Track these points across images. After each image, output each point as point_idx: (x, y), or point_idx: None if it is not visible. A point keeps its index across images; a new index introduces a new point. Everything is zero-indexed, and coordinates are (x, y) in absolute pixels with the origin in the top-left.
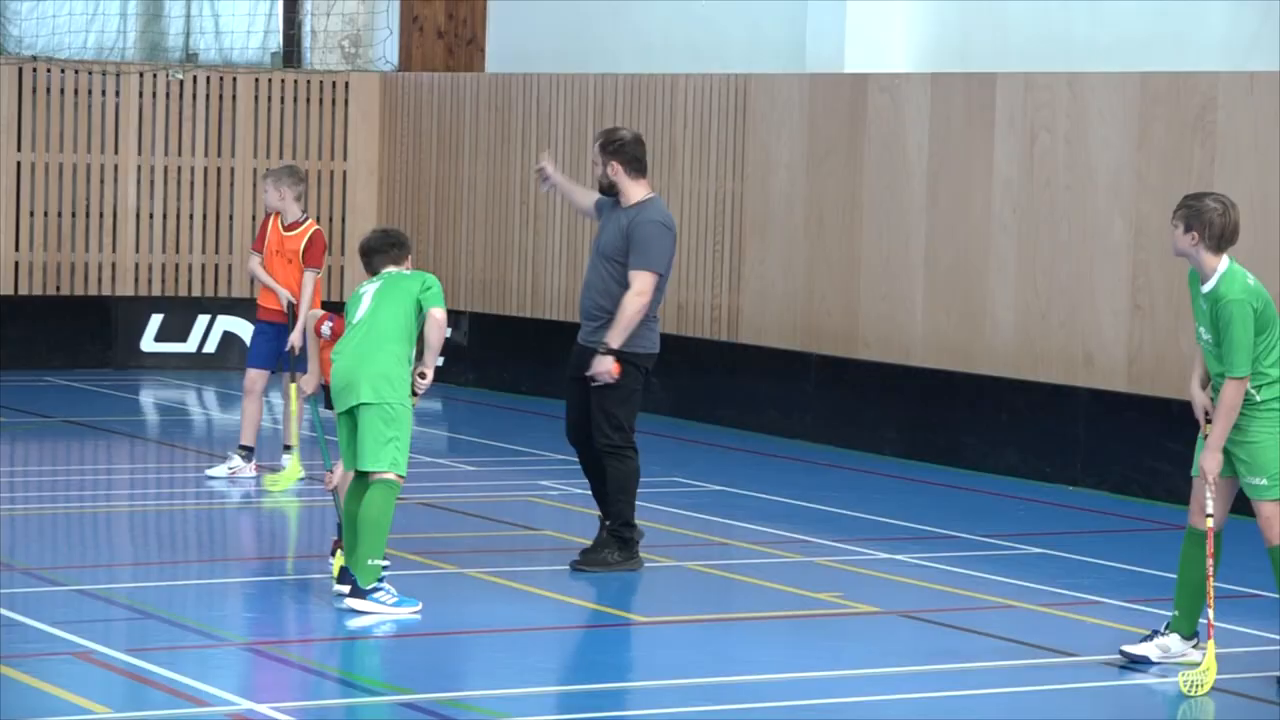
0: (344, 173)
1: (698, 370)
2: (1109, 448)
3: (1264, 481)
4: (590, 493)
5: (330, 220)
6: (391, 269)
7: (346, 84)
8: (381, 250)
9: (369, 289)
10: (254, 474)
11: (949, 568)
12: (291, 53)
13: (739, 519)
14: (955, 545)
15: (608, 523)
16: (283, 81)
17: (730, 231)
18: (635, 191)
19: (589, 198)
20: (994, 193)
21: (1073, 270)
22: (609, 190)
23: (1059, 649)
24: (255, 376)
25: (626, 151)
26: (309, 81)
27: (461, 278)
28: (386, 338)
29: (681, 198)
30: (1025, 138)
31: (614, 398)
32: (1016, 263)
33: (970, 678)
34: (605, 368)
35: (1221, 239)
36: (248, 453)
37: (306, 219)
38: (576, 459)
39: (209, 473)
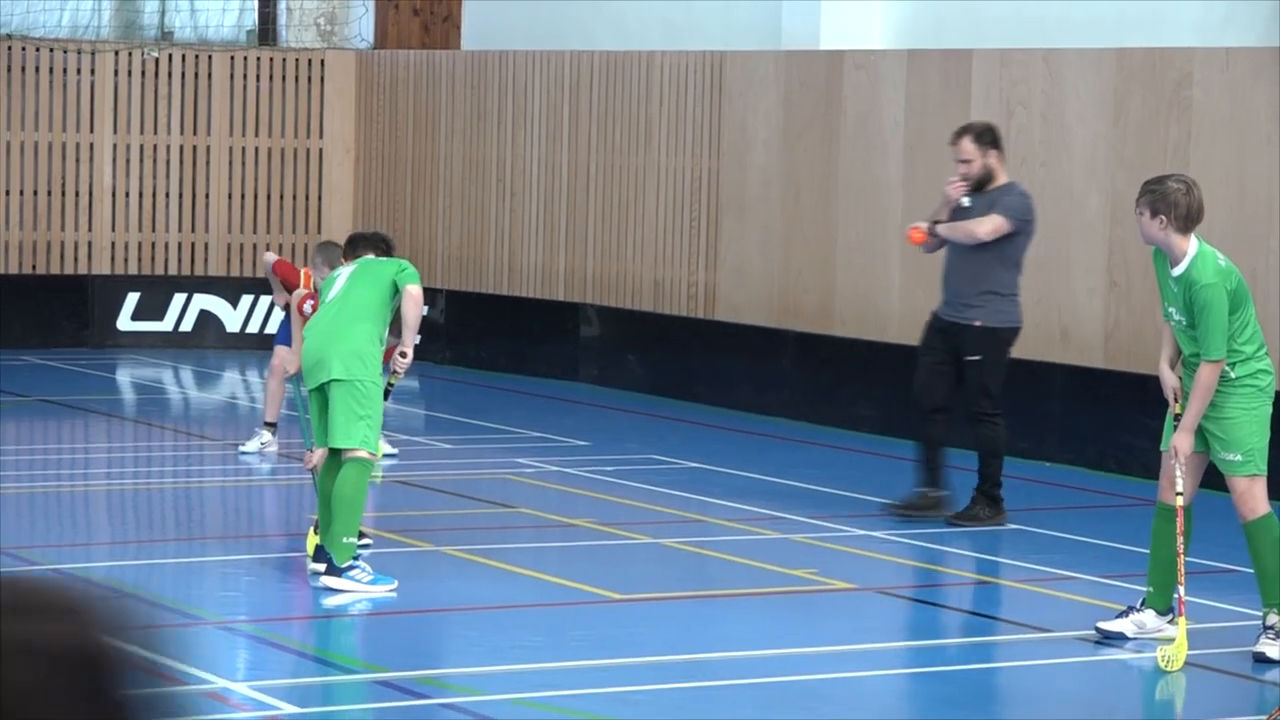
0: (320, 150)
1: (674, 348)
2: (1085, 423)
3: (1238, 457)
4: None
5: (306, 198)
6: (370, 256)
7: (322, 62)
8: (367, 240)
9: (344, 271)
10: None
11: (924, 544)
12: (267, 30)
13: (715, 496)
14: (930, 521)
15: (981, 485)
16: (258, 59)
17: (707, 209)
18: (1001, 175)
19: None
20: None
21: (1049, 247)
22: (984, 183)
23: (1034, 625)
24: (282, 354)
25: (1000, 141)
26: (285, 59)
27: (438, 255)
28: (359, 316)
29: (658, 176)
30: (1001, 114)
31: (988, 370)
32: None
33: (945, 653)
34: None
35: (1189, 219)
36: (272, 429)
37: None
38: (920, 429)
39: (242, 449)
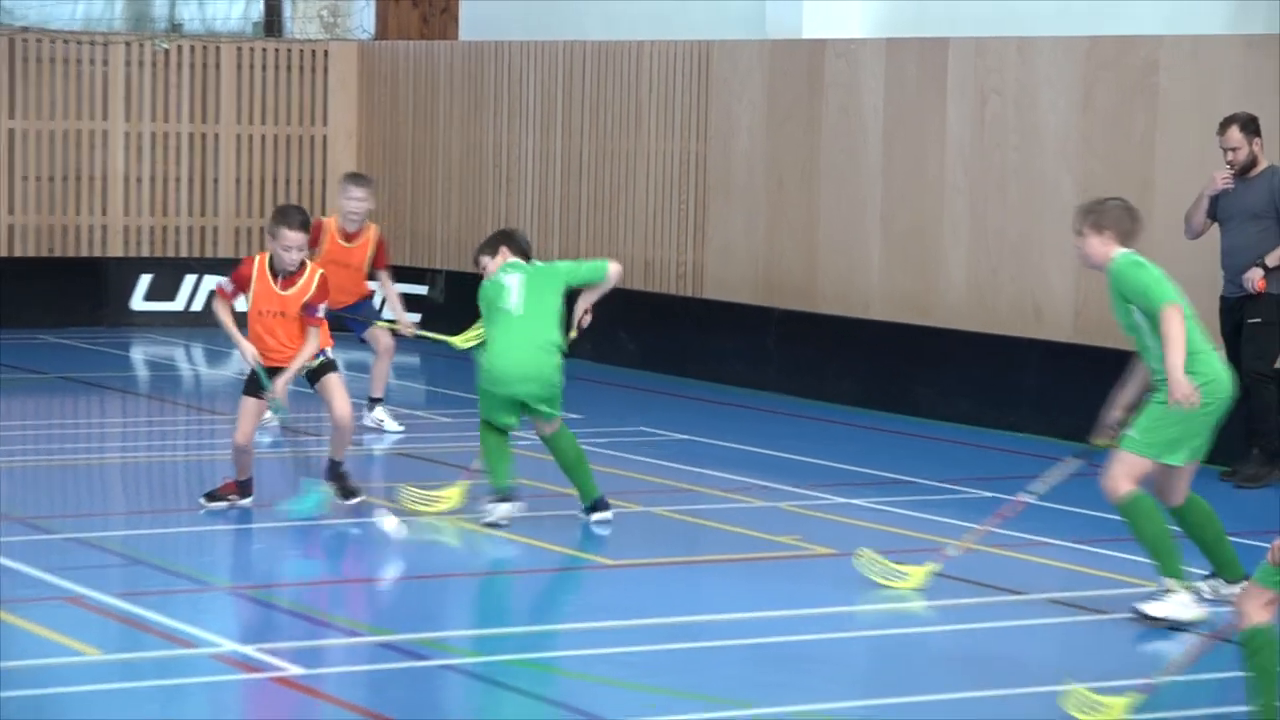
0: (324, 137)
1: (665, 325)
2: (1057, 396)
3: (1133, 433)
4: None
5: (311, 183)
6: (515, 259)
7: (326, 53)
8: (515, 241)
9: (513, 281)
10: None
11: (904, 511)
12: (273, 22)
13: (704, 467)
14: (910, 490)
15: (1260, 442)
16: (264, 50)
17: (695, 191)
18: (1262, 161)
19: (1199, 216)
20: (946, 154)
21: (1022, 228)
22: (1247, 168)
23: (1010, 588)
24: (377, 334)
25: (1259, 129)
26: (289, 50)
27: (437, 237)
28: (550, 328)
29: (647, 159)
30: (976, 101)
31: (1270, 333)
32: (969, 220)
33: (923, 616)
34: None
35: (1131, 234)
36: (381, 403)
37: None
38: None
39: (366, 421)
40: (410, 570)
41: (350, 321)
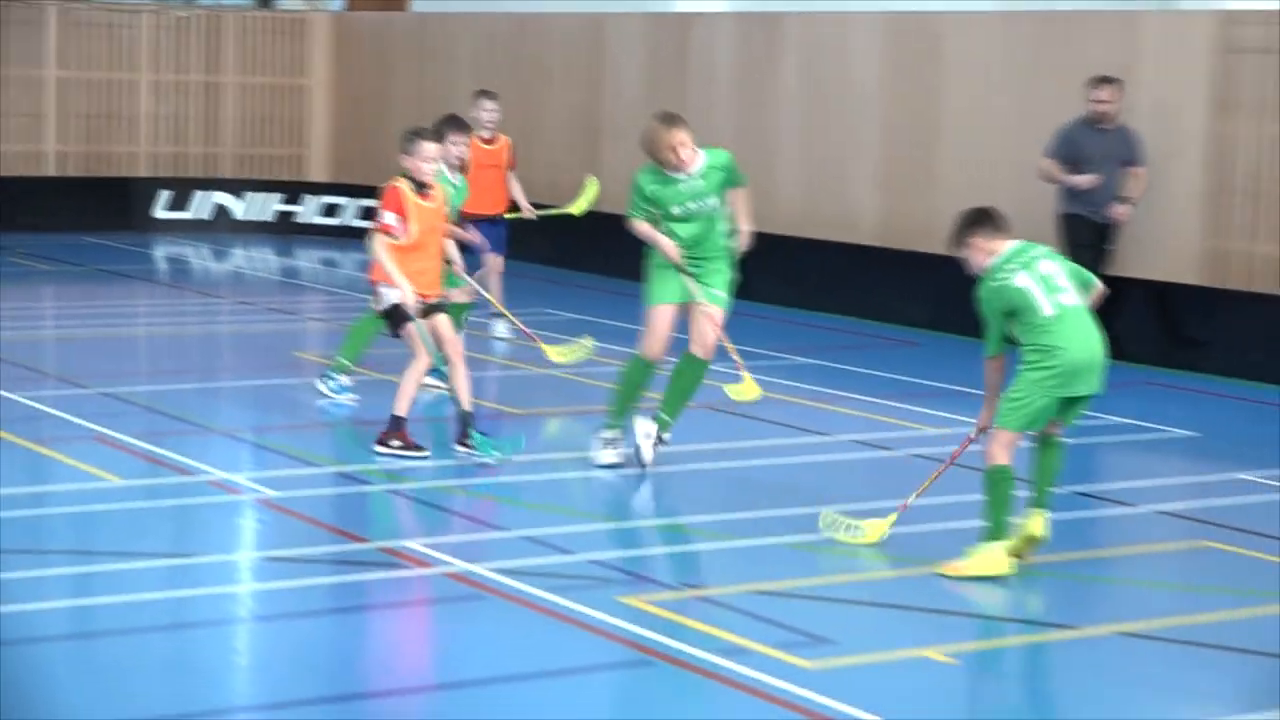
0: (307, 86)
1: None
2: (860, 284)
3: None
4: None
5: (296, 121)
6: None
7: (307, 21)
8: (997, 220)
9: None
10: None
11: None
12: None
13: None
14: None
15: None
16: (260, 19)
17: (588, 135)
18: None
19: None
20: (783, 108)
21: (838, 160)
22: (1111, 118)
23: (816, 429)
24: (492, 259)
25: None
26: (279, 19)
27: (392, 164)
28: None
29: (554, 111)
30: (805, 65)
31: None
32: (799, 155)
33: (751, 450)
34: None
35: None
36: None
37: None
38: None
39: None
40: (362, 417)
41: (486, 229)
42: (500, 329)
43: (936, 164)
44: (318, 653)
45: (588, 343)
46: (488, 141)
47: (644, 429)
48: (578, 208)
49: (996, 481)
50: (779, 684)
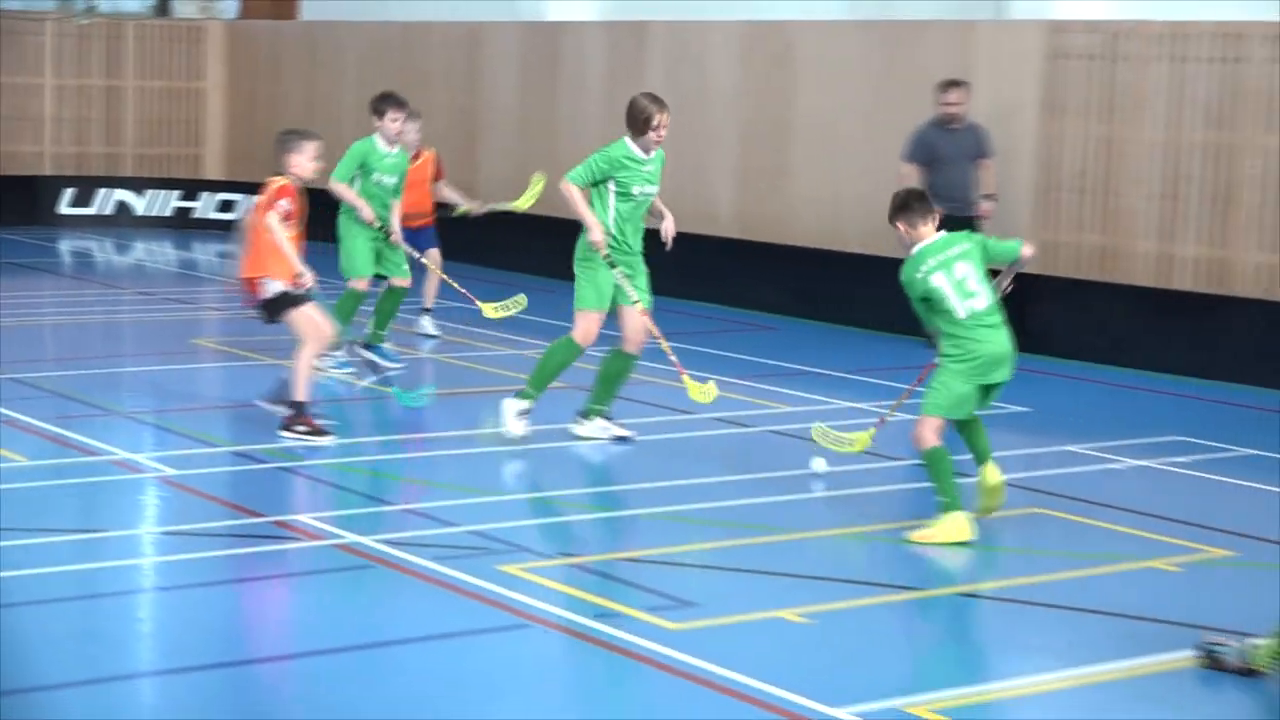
0: (204, 89)
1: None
2: (723, 274)
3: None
4: None
5: (193, 123)
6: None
7: (203, 29)
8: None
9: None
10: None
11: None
12: (164, 6)
13: None
14: None
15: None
16: (158, 26)
17: (464, 136)
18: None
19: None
20: None
21: (699, 159)
22: (960, 119)
23: (679, 407)
24: (434, 253)
25: None
26: (176, 27)
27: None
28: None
29: (433, 112)
30: (667, 71)
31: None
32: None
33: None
34: None
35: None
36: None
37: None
38: None
39: (418, 328)
40: (255, 396)
41: (416, 240)
42: (426, 324)
43: (789, 162)
44: (216, 620)
45: (521, 300)
46: (413, 159)
47: (515, 408)
48: (523, 203)
49: (934, 461)
50: (647, 644)
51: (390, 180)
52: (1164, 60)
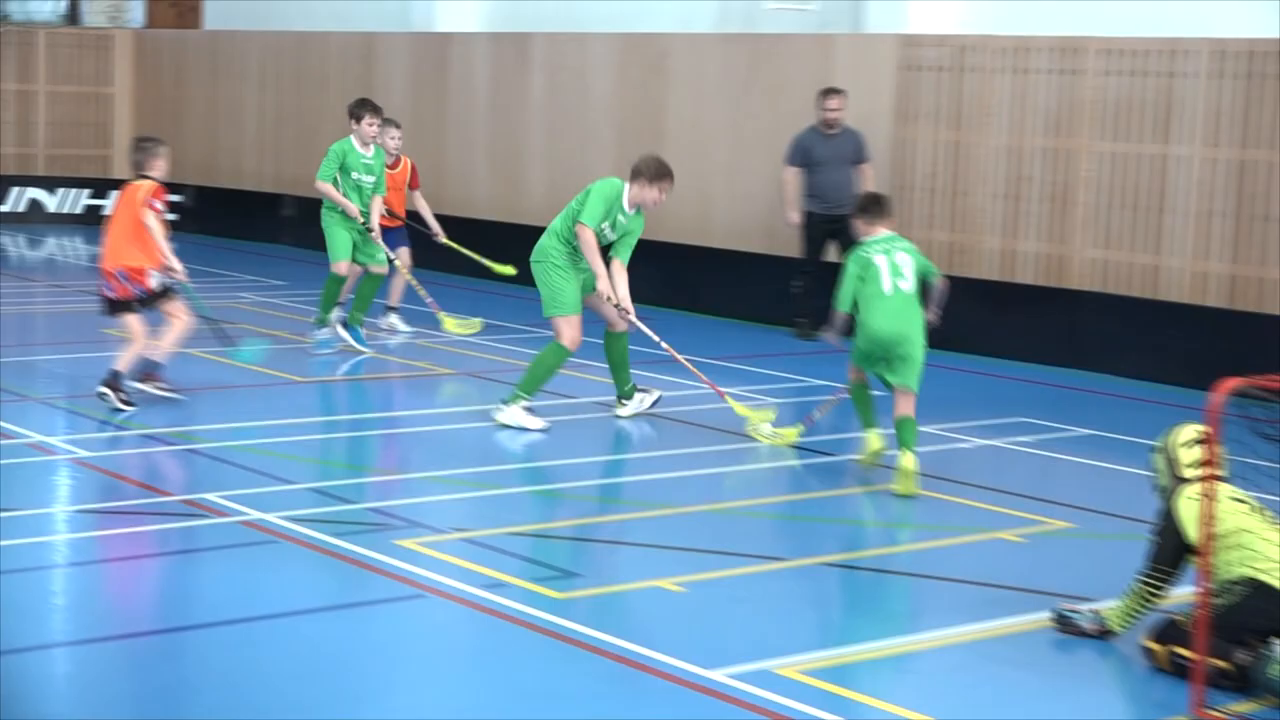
0: (112, 94)
1: None
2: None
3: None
4: None
5: (104, 125)
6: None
7: (112, 37)
8: (885, 208)
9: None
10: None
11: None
12: (75, 15)
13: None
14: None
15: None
16: (68, 34)
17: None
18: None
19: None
20: (531, 115)
21: (577, 162)
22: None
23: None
24: (403, 253)
25: None
26: (85, 35)
27: (189, 160)
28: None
29: (326, 118)
30: (548, 79)
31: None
32: (544, 156)
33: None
34: None
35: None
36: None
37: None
38: None
39: (381, 325)
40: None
41: (388, 240)
42: (394, 321)
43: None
44: (126, 594)
45: (478, 323)
46: (392, 166)
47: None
48: (497, 267)
49: (855, 393)
50: (533, 612)
51: (368, 180)
52: (1008, 72)
